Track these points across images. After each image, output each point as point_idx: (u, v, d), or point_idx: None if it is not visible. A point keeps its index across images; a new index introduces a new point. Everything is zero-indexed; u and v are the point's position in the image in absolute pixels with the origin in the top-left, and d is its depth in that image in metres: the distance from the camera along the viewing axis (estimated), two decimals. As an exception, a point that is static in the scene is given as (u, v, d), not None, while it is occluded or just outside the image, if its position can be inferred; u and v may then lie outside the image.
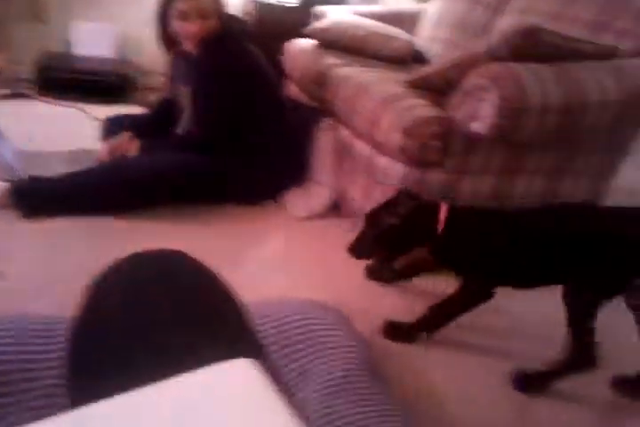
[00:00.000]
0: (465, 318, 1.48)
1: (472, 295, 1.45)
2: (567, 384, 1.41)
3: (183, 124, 2.20)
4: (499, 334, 1.63)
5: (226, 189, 2.11)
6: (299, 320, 1.27)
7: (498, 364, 1.49)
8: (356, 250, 1.50)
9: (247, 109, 2.06)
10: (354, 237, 1.51)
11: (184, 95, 2.15)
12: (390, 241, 1.46)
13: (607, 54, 1.80)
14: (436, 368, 1.45)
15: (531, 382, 1.42)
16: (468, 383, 1.42)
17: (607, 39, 1.93)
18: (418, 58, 2.79)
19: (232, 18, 2.26)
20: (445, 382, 1.41)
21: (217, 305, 0.71)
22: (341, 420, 1.04)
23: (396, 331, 1.54)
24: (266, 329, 1.24)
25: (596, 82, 1.65)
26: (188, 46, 2.06)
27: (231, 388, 0.54)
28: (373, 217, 1.47)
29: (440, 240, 1.41)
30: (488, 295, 1.43)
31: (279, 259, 1.89)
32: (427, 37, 2.86)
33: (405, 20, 3.05)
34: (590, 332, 1.33)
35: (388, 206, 1.46)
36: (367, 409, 1.07)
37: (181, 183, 1.98)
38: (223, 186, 2.10)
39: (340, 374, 1.13)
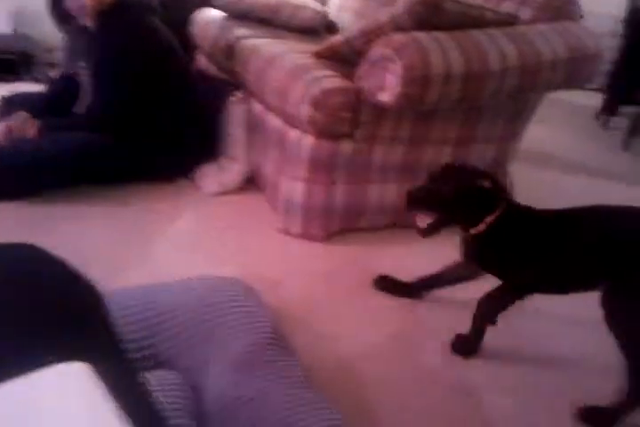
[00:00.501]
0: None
1: (510, 295, 1.39)
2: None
3: (84, 103, 2.09)
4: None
5: (136, 168, 2.04)
6: (208, 298, 1.25)
7: (403, 333, 1.54)
8: (423, 204, 1.35)
9: (150, 84, 1.98)
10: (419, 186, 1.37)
11: (83, 72, 2.04)
12: (460, 204, 1.32)
13: (508, 22, 1.84)
14: (348, 334, 1.48)
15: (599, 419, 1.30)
16: (376, 353, 1.45)
17: (508, 7, 1.97)
18: (331, 28, 2.77)
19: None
20: (353, 351, 1.44)
21: (59, 302, 0.62)
22: (251, 393, 1.05)
23: (462, 345, 1.48)
24: (175, 308, 1.22)
25: (497, 49, 1.68)
26: (85, 21, 1.95)
27: (51, 398, 0.46)
28: (462, 176, 1.34)
29: (485, 235, 1.34)
30: (522, 296, 1.38)
31: (193, 236, 1.86)
32: (337, 7, 2.83)
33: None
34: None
35: (473, 172, 1.35)
36: (276, 381, 1.08)
37: (85, 165, 1.90)
38: (133, 165, 2.03)
39: (248, 348, 1.13)
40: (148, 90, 1.99)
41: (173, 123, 2.07)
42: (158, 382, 1.06)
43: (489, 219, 1.32)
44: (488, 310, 1.43)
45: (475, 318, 1.44)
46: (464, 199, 1.31)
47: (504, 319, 1.42)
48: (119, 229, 1.84)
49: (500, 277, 1.40)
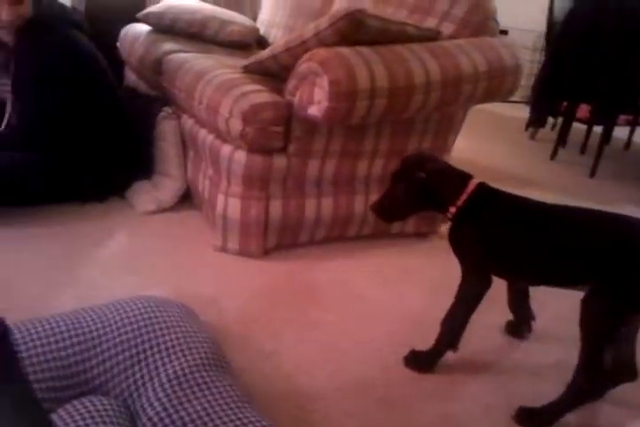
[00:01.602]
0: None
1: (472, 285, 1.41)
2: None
3: (7, 120, 2.01)
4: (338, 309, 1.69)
5: (63, 188, 1.98)
6: (143, 320, 1.22)
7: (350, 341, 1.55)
8: (385, 211, 1.45)
9: (77, 102, 1.93)
10: (377, 199, 1.46)
11: (3, 88, 1.96)
12: (416, 198, 1.40)
13: (430, 37, 1.90)
14: (289, 350, 1.47)
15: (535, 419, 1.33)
16: (317, 367, 1.45)
17: (431, 22, 2.03)
18: (262, 43, 2.78)
19: (53, 2, 2.09)
20: (299, 366, 1.43)
21: None
22: (187, 416, 1.02)
23: (417, 359, 1.47)
24: (107, 332, 1.18)
25: (420, 64, 1.73)
26: (3, 35, 1.88)
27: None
28: (401, 174, 1.41)
29: (459, 215, 1.37)
30: (488, 284, 1.39)
31: (125, 257, 1.81)
32: (267, 22, 2.85)
33: (245, 5, 3.02)
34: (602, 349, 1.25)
35: (417, 163, 1.40)
36: (214, 402, 1.06)
37: (8, 185, 1.83)
38: (60, 185, 1.97)
39: (184, 370, 1.10)
40: (75, 108, 1.94)
41: (102, 140, 2.02)
42: (90, 408, 1.03)
43: (458, 202, 1.36)
44: (460, 305, 1.43)
45: (447, 320, 1.44)
46: (416, 194, 1.39)
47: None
48: (46, 254, 1.77)
49: (460, 256, 1.43)
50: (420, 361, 1.47)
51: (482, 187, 1.39)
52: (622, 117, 3.71)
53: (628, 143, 3.92)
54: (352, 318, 1.65)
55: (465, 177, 1.39)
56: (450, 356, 1.45)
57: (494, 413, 1.34)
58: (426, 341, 1.56)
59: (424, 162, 1.40)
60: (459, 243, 1.43)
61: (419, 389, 1.39)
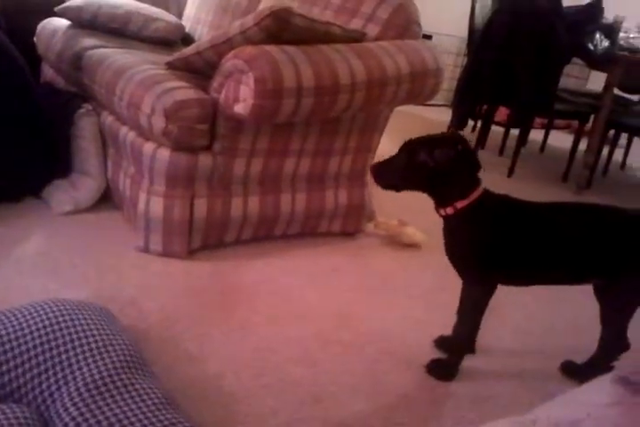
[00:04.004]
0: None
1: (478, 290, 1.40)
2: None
3: None
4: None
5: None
6: (58, 323, 1.17)
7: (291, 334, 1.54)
8: (383, 176, 1.38)
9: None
10: (381, 160, 1.39)
11: None
12: (415, 178, 1.34)
13: (355, 38, 1.92)
14: (215, 351, 1.45)
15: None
16: (244, 367, 1.44)
17: (356, 24, 2.05)
18: (187, 40, 2.73)
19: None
20: (225, 366, 1.41)
21: None
22: (106, 420, 0.99)
23: (439, 368, 1.47)
24: (19, 336, 1.12)
25: (345, 64, 1.75)
26: None
27: None
28: (411, 148, 1.33)
29: (460, 218, 1.33)
30: (493, 289, 1.38)
31: (41, 259, 1.73)
32: (192, 19, 2.81)
33: (171, 2, 2.96)
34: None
35: (429, 144, 1.32)
36: (134, 405, 1.03)
37: None
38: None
39: (102, 373, 1.06)
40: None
41: (15, 138, 1.92)
42: (2, 416, 0.97)
43: (459, 204, 1.32)
44: (470, 313, 1.44)
45: (458, 328, 1.47)
46: (416, 175, 1.33)
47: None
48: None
49: (461, 264, 1.40)
50: (442, 370, 1.47)
51: (487, 193, 1.36)
52: (538, 121, 3.90)
53: (543, 145, 4.12)
54: (280, 317, 1.64)
55: (476, 180, 1.35)
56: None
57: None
58: (353, 337, 1.58)
59: (435, 147, 1.31)
60: (460, 251, 1.39)
61: (343, 385, 1.40)
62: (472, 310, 1.43)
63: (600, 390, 0.69)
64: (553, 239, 1.35)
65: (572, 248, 1.34)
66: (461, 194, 1.33)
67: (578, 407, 0.67)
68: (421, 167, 1.31)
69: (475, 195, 1.33)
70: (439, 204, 1.37)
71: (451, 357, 1.49)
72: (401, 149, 1.37)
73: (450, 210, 1.34)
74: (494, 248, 1.35)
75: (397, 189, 1.40)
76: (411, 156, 1.33)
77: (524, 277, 1.43)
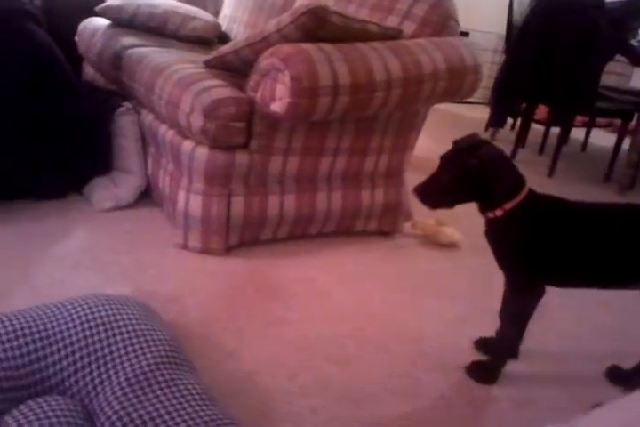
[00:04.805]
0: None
1: (527, 288, 1.36)
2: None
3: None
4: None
5: (21, 184, 1.92)
6: (101, 317, 1.19)
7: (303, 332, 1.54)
8: (431, 197, 1.32)
9: (31, 94, 1.87)
10: (423, 181, 1.33)
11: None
12: (463, 187, 1.29)
13: (391, 36, 1.91)
14: (251, 348, 1.45)
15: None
16: (280, 365, 1.44)
17: (392, 21, 2.04)
18: (223, 39, 2.76)
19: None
20: (261, 363, 1.42)
21: None
22: (147, 414, 1.00)
23: (480, 370, 1.46)
24: (62, 330, 1.15)
25: (381, 61, 1.73)
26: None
27: None
28: (454, 158, 1.30)
29: (508, 219, 1.31)
30: (540, 293, 1.35)
31: (83, 255, 1.76)
32: (229, 18, 2.83)
33: (208, 1, 2.99)
34: None
35: (468, 148, 1.29)
36: (175, 400, 1.04)
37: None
38: (17, 180, 1.91)
39: (143, 368, 1.08)
40: (31, 101, 1.88)
41: (58, 135, 1.97)
42: (46, 408, 1.00)
43: (508, 205, 1.29)
44: (516, 315, 1.40)
45: (503, 332, 1.44)
46: (464, 183, 1.29)
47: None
48: (1, 253, 1.71)
49: (510, 267, 1.37)
50: (483, 373, 1.45)
51: (533, 193, 1.33)
52: (579, 119, 3.82)
53: (585, 144, 4.03)
54: (315, 315, 1.64)
55: (521, 177, 1.32)
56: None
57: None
58: (389, 337, 1.57)
59: (477, 146, 1.29)
60: (511, 252, 1.35)
61: (383, 386, 1.39)
62: (520, 315, 1.39)
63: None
64: (601, 240, 1.30)
65: (619, 250, 1.30)
66: (509, 194, 1.30)
67: (622, 415, 0.65)
68: (471, 173, 1.27)
69: (522, 194, 1.30)
70: (487, 207, 1.33)
71: (493, 360, 1.47)
72: (443, 164, 1.33)
73: (499, 212, 1.31)
74: (544, 248, 1.31)
75: (448, 205, 1.35)
76: (457, 164, 1.29)
77: (571, 278, 1.38)
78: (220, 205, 1.82)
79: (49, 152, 1.96)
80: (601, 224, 1.31)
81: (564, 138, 3.40)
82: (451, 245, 2.18)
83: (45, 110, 1.95)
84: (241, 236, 1.91)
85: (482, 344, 1.56)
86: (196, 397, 1.09)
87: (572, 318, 1.81)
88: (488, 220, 1.36)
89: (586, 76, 3.11)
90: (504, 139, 3.97)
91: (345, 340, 1.54)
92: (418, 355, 1.52)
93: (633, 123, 3.34)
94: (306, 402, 1.30)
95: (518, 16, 3.54)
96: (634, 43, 3.01)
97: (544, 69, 3.20)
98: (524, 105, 3.65)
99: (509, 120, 3.95)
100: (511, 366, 1.48)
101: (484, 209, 1.35)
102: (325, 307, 1.69)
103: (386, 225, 2.20)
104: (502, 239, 1.35)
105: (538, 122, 3.84)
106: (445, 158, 1.33)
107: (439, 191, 1.32)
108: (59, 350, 1.10)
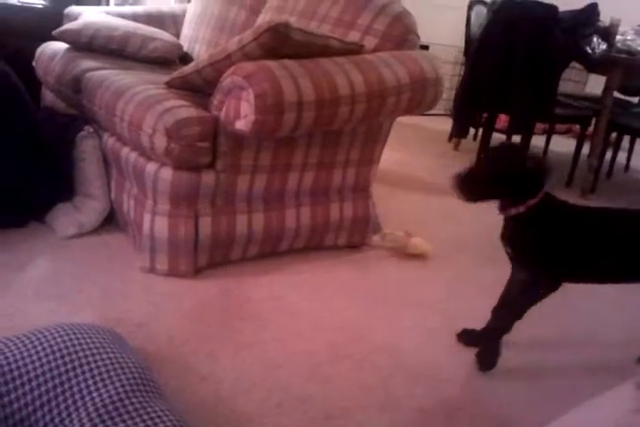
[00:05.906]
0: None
1: (545, 284, 1.46)
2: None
3: None
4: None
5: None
6: (66, 348, 1.15)
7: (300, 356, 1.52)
8: (470, 190, 1.39)
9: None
10: (463, 174, 1.40)
11: None
12: (501, 187, 1.39)
13: (353, 50, 1.92)
14: (225, 371, 1.42)
15: None
16: (255, 385, 1.41)
17: (354, 36, 2.06)
18: (185, 59, 2.74)
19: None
20: (236, 385, 1.39)
21: None
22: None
23: (470, 338, 1.61)
24: (27, 363, 1.10)
25: (344, 76, 1.74)
26: None
27: None
28: (503, 159, 1.40)
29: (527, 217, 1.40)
30: (556, 287, 1.45)
31: (45, 283, 1.71)
32: (189, 38, 2.82)
33: (167, 21, 2.98)
34: None
35: (512, 147, 1.43)
36: (146, 430, 1.01)
37: None
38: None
39: (113, 397, 1.05)
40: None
41: (17, 163, 1.92)
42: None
43: (532, 201, 1.39)
44: (520, 305, 1.48)
45: (500, 317, 1.53)
46: (508, 180, 1.37)
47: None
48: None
49: (531, 263, 1.46)
50: (489, 357, 1.54)
51: (548, 193, 1.43)
52: (539, 126, 3.89)
53: (546, 151, 4.11)
54: (288, 333, 1.62)
55: (542, 180, 1.42)
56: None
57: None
58: (364, 350, 1.55)
59: (523, 155, 1.40)
60: (531, 246, 1.44)
61: (361, 401, 1.37)
62: (525, 304, 1.47)
63: (624, 396, 0.67)
64: (615, 239, 1.41)
65: (632, 249, 1.41)
66: (533, 193, 1.40)
67: (603, 414, 0.65)
68: (514, 176, 1.37)
69: (541, 193, 1.41)
70: (511, 204, 1.42)
71: (487, 344, 1.55)
72: (489, 162, 1.42)
73: (522, 208, 1.40)
74: (562, 242, 1.41)
75: (484, 198, 1.42)
76: (510, 163, 1.38)
77: (589, 273, 1.47)
78: (187, 226, 1.79)
79: (8, 180, 1.91)
80: (614, 226, 1.43)
81: (525, 145, 3.46)
82: (420, 256, 2.18)
83: (3, 138, 1.90)
84: (210, 256, 1.88)
85: (466, 336, 1.65)
86: (169, 424, 1.05)
87: (608, 305, 1.83)
88: (508, 218, 1.45)
89: (544, 85, 3.18)
90: (467, 149, 4.02)
91: (320, 357, 1.52)
92: (395, 368, 1.51)
93: (591, 128, 3.42)
94: (281, 422, 1.27)
95: (476, 29, 3.62)
96: (588, 50, 3.09)
97: (503, 79, 3.26)
98: (485, 115, 3.71)
99: (472, 130, 4.01)
100: (492, 381, 1.48)
101: (506, 206, 1.43)
102: (298, 324, 1.67)
103: (355, 238, 2.19)
104: (523, 234, 1.44)
105: (499, 131, 3.91)
106: (495, 157, 1.42)
107: (481, 185, 1.40)
108: (22, 385, 1.06)
